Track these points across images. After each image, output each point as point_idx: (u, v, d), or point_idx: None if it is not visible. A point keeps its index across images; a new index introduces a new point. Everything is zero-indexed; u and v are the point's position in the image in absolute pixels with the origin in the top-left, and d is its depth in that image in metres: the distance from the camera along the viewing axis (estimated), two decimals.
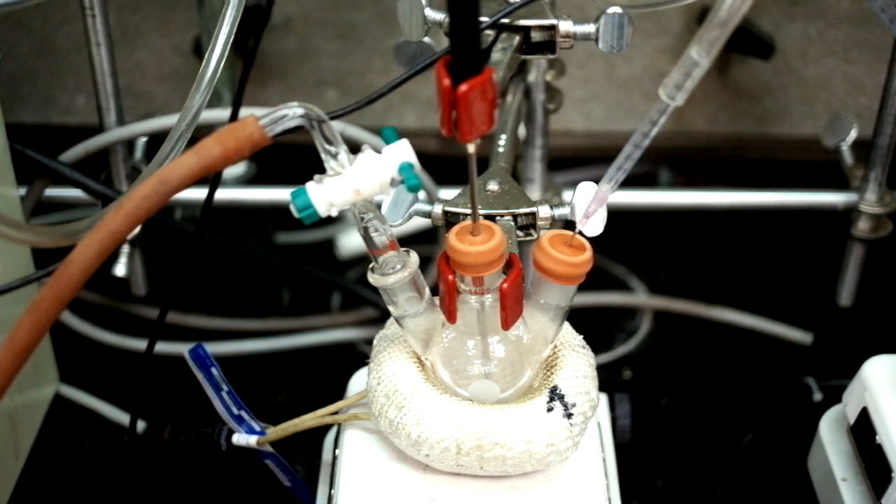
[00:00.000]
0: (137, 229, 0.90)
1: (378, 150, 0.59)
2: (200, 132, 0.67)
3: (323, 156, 0.58)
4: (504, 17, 0.73)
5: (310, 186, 0.59)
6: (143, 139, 0.93)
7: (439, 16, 0.75)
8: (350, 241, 1.17)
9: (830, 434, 0.82)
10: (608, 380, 0.81)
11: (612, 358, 1.05)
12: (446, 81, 0.52)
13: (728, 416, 0.97)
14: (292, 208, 0.59)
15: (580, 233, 0.62)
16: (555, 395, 0.65)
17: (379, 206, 0.68)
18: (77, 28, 1.00)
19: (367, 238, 0.62)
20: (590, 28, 0.74)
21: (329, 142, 0.58)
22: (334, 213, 0.60)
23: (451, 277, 0.62)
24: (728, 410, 0.98)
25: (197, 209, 1.05)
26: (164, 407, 0.94)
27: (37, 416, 0.91)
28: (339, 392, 0.75)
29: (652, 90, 1.11)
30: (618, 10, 0.73)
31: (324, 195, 0.59)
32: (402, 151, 0.58)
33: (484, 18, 0.73)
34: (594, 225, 0.63)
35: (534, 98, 0.91)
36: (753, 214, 1.01)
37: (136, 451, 0.88)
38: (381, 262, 0.63)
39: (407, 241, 0.95)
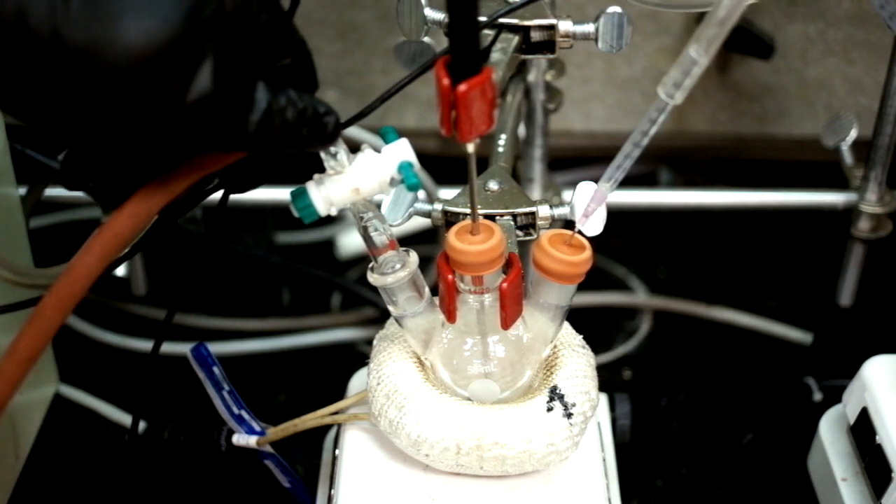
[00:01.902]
0: None
1: (377, 150, 0.59)
2: None
3: (322, 155, 0.58)
4: (503, 16, 0.73)
5: (309, 186, 0.59)
6: None
7: (439, 16, 0.75)
8: (350, 241, 1.17)
9: (830, 434, 0.81)
10: (608, 380, 0.81)
11: (612, 358, 1.05)
12: (446, 81, 0.52)
13: (728, 416, 0.97)
14: (292, 208, 0.59)
15: (580, 232, 0.62)
16: (555, 394, 0.65)
17: (379, 205, 0.67)
18: None
19: (366, 238, 0.62)
20: (589, 28, 0.74)
21: None
22: (334, 213, 0.60)
23: (450, 277, 0.61)
24: (728, 410, 0.98)
25: (197, 209, 1.05)
26: (165, 407, 0.94)
27: (37, 416, 0.91)
28: (339, 392, 0.75)
29: (652, 90, 1.10)
30: (617, 9, 0.73)
31: (323, 194, 0.59)
32: (402, 150, 0.58)
33: (483, 18, 0.73)
34: (594, 224, 0.63)
35: (534, 98, 0.91)
36: (753, 214, 1.00)
37: (136, 451, 0.88)
38: (380, 262, 0.62)
39: (407, 241, 0.95)
